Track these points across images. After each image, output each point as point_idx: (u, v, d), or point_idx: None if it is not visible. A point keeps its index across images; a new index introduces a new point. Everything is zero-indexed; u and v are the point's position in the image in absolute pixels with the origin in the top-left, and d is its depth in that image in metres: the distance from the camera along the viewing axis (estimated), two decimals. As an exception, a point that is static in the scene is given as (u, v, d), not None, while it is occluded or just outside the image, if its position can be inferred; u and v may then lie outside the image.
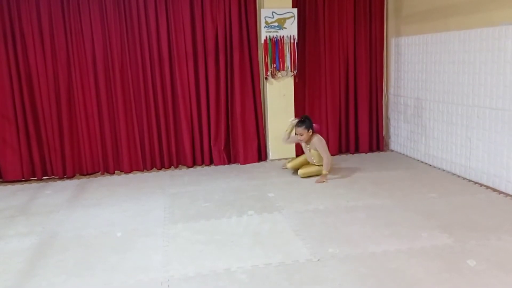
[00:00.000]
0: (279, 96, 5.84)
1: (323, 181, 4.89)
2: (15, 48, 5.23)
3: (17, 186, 5.34)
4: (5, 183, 5.44)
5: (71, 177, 5.60)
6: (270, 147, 5.97)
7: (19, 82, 5.29)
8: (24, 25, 5.19)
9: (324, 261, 3.15)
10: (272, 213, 4.11)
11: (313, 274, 3.00)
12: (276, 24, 5.63)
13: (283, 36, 5.68)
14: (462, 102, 4.87)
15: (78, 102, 5.46)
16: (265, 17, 5.60)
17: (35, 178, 5.56)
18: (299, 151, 6.12)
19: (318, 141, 5.00)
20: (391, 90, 6.26)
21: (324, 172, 4.95)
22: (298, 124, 5.02)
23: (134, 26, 5.43)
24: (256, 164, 5.86)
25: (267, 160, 6.00)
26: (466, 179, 4.86)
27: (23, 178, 5.51)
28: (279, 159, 5.99)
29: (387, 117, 6.40)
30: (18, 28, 5.18)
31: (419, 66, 5.58)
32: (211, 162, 5.92)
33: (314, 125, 5.08)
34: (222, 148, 5.88)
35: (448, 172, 5.14)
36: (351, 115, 6.17)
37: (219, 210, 4.22)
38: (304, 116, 5.11)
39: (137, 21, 5.43)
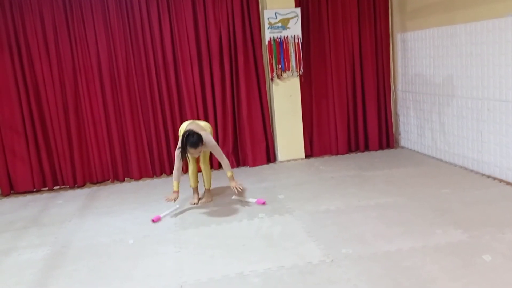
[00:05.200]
0: (285, 97, 5.82)
1: (239, 185, 4.26)
2: (21, 59, 5.27)
3: (29, 197, 5.37)
4: (17, 195, 5.48)
5: (82, 186, 5.62)
6: (278, 148, 5.95)
7: (27, 93, 5.33)
8: (29, 36, 5.23)
9: (337, 262, 3.12)
10: (283, 215, 4.08)
11: (327, 275, 2.97)
12: (279, 24, 5.61)
13: (287, 36, 5.65)
14: (472, 95, 4.82)
15: (85, 110, 5.49)
16: (268, 18, 5.58)
17: (46, 188, 5.58)
18: (308, 150, 6.11)
19: (213, 145, 4.20)
20: (399, 86, 6.21)
21: (229, 173, 4.25)
22: (194, 147, 4.00)
23: (137, 32, 5.44)
24: (265, 166, 5.84)
25: (276, 162, 5.98)
26: (479, 173, 4.79)
27: (34, 188, 5.54)
28: (288, 160, 5.96)
29: (396, 114, 6.35)
30: (23, 39, 5.22)
31: (426, 61, 5.53)
32: (220, 166, 5.90)
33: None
34: (231, 151, 5.86)
35: (460, 167, 5.08)
36: (359, 113, 6.12)
37: (229, 214, 4.21)
38: (189, 134, 4.00)
39: (141, 27, 5.44)
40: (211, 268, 3.19)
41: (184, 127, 4.40)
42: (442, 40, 5.18)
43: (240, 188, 4.29)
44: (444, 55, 5.17)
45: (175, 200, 4.20)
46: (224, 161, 4.28)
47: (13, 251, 3.78)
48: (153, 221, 4.18)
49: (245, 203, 4.45)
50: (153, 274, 3.18)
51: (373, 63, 6.05)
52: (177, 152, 4.15)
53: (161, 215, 4.29)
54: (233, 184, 4.27)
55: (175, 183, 4.20)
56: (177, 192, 4.19)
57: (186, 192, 4.75)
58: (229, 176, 4.28)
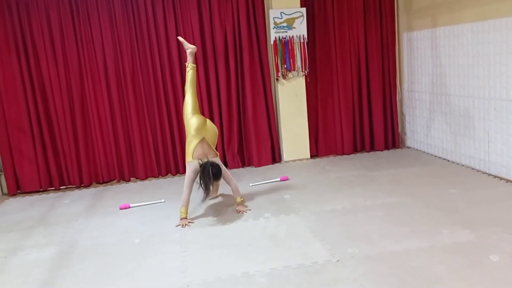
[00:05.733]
0: (291, 96, 5.81)
1: (245, 210, 4.28)
2: (27, 60, 5.29)
3: (35, 196, 5.40)
4: (24, 194, 5.50)
5: (88, 185, 5.64)
6: (284, 148, 5.94)
7: (33, 93, 5.36)
8: (36, 36, 5.25)
9: (343, 262, 3.11)
10: (289, 215, 4.07)
11: (333, 275, 2.96)
12: (285, 24, 5.60)
13: (292, 36, 5.65)
14: (478, 95, 4.79)
15: (91, 110, 5.51)
16: (273, 17, 5.57)
17: (53, 188, 5.60)
18: (313, 150, 6.10)
19: (225, 172, 4.22)
20: (405, 86, 6.19)
21: (239, 199, 4.31)
22: (218, 179, 4.05)
23: (143, 31, 5.46)
24: (271, 166, 5.83)
25: (281, 162, 5.97)
26: (486, 173, 4.76)
27: (41, 188, 5.57)
28: (294, 160, 5.95)
29: (402, 114, 6.32)
30: (30, 40, 5.25)
31: (432, 60, 5.50)
32: (225, 166, 5.90)
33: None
34: (236, 151, 5.86)
35: (467, 167, 5.05)
36: (365, 113, 6.10)
37: (235, 214, 4.20)
38: (208, 167, 3.92)
39: (146, 26, 5.46)
40: (217, 268, 3.19)
41: (193, 122, 4.17)
42: (448, 39, 5.16)
43: (245, 211, 4.24)
44: (451, 54, 5.15)
45: (187, 225, 4.02)
46: (233, 185, 4.28)
47: (19, 251, 3.80)
48: (120, 208, 4.48)
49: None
50: (159, 274, 3.19)
51: (379, 62, 6.03)
52: (187, 183, 4.02)
53: (131, 205, 4.61)
54: (241, 208, 4.25)
55: (183, 209, 4.06)
56: (185, 218, 4.07)
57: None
58: (239, 201, 4.29)
